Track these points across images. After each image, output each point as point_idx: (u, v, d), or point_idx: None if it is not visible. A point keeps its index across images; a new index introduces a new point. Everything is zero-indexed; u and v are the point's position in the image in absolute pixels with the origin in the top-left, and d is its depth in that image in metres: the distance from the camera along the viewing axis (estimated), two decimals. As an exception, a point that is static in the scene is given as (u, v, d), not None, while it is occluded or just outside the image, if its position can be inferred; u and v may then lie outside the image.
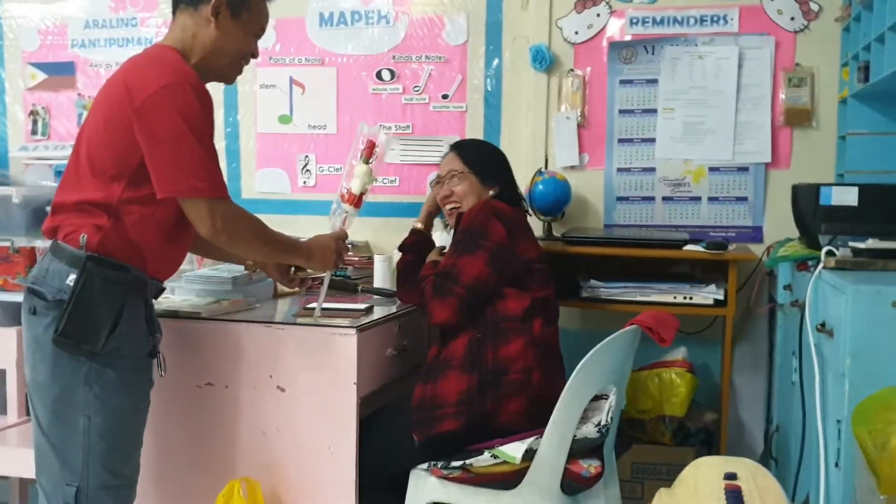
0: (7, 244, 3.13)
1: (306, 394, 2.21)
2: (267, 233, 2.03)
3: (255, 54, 2.10)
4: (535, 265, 2.35)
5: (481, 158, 2.52)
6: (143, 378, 1.99)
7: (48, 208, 3.11)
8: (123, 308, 1.89)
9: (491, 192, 2.45)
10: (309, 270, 2.37)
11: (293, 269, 2.33)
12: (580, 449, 2.13)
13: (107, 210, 1.89)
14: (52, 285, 1.88)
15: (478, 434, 2.15)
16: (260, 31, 2.08)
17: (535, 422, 2.13)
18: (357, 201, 2.29)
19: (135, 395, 1.97)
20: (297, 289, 2.60)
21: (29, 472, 2.54)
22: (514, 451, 2.09)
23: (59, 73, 3.70)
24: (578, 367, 2.02)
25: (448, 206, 2.50)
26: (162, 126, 1.83)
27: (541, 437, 2.07)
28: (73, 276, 1.86)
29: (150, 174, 1.86)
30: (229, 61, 2.03)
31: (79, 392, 1.87)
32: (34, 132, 3.75)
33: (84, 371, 1.87)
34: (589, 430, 2.12)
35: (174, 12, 2.03)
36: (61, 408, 1.89)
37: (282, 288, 2.78)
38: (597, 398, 2.18)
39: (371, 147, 2.30)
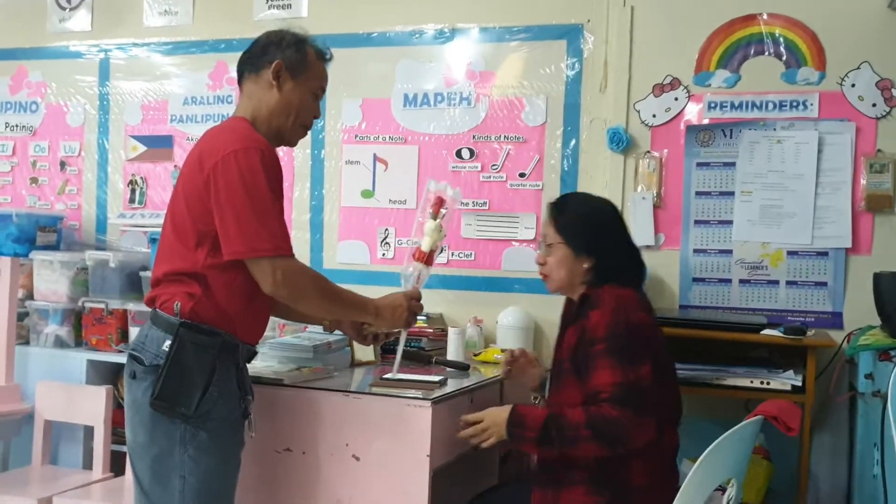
0: (102, 306, 3.30)
1: (380, 463, 2.25)
2: (330, 289, 2.09)
3: (316, 115, 2.20)
4: (662, 360, 2.20)
5: (577, 225, 2.26)
6: (234, 439, 2.06)
7: (142, 273, 3.32)
8: (214, 372, 1.97)
9: (585, 265, 2.23)
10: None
11: (364, 325, 2.36)
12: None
13: (196, 278, 1.98)
14: (150, 351, 1.98)
15: None
16: (320, 91, 2.18)
17: None
18: (428, 259, 2.29)
19: (226, 456, 2.04)
20: (369, 345, 2.60)
21: (111, 527, 2.65)
22: None
23: (158, 145, 3.92)
24: (702, 458, 1.91)
25: (541, 273, 2.33)
26: (226, 191, 1.92)
27: None
28: (168, 342, 1.95)
29: (219, 238, 1.95)
30: (292, 123, 2.12)
31: (175, 453, 1.95)
32: (132, 200, 3.96)
33: (179, 433, 1.95)
34: None
35: (240, 83, 2.16)
36: (159, 468, 1.97)
37: (359, 357, 2.85)
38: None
39: (439, 203, 2.31)
